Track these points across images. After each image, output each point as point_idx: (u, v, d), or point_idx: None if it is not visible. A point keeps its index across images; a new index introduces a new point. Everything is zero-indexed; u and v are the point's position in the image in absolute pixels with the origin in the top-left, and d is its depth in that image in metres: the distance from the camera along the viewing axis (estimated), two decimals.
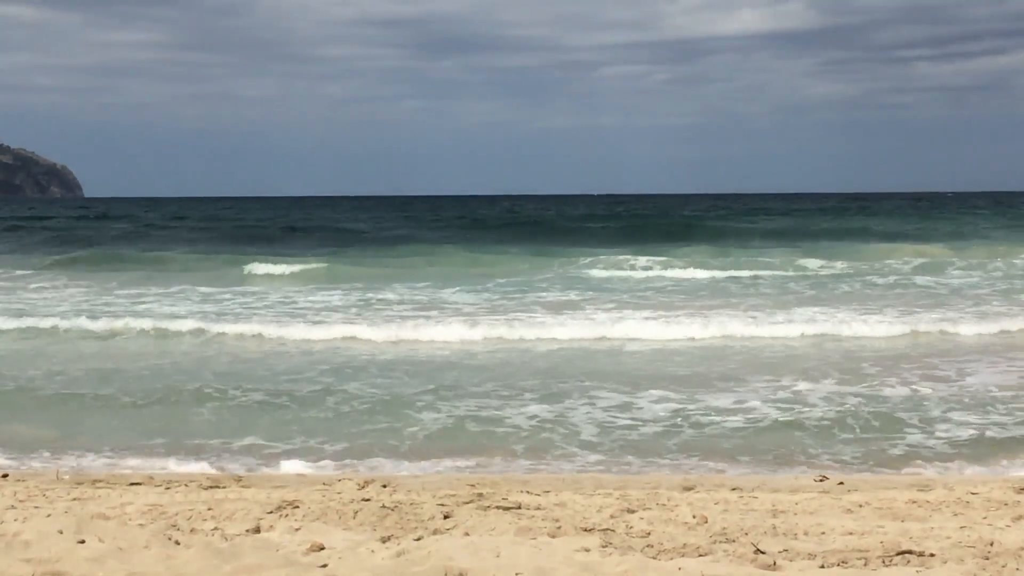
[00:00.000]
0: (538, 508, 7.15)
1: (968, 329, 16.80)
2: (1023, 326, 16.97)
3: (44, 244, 42.26)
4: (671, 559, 5.77)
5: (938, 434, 10.34)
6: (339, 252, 37.01)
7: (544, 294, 22.99)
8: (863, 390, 12.41)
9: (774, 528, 6.51)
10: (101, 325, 17.83)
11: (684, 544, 6.08)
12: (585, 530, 6.46)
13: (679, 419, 11.02)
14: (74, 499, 7.60)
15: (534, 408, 11.52)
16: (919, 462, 9.47)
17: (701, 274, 27.56)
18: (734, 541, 6.16)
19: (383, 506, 7.15)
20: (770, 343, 16.18)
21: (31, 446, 10.16)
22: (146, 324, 17.83)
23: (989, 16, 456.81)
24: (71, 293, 23.83)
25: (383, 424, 10.95)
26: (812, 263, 29.64)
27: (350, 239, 45.34)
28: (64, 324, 17.84)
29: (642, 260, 30.80)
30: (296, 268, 29.46)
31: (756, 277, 26.67)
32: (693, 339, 16.55)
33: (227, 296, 23.07)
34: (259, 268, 29.64)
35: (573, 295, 22.75)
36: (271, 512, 7.01)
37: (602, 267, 29.52)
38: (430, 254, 33.99)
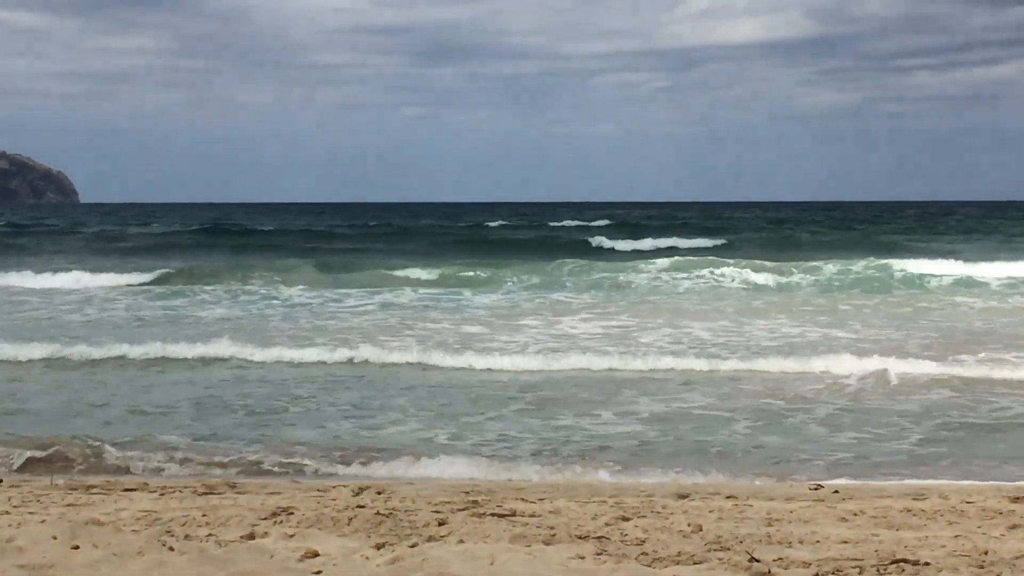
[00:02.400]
0: (533, 515, 7.15)
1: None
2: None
3: None
4: (666, 567, 5.77)
5: None
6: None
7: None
8: None
9: (769, 536, 6.51)
10: None
11: (679, 552, 6.07)
12: (580, 537, 6.46)
13: None
14: (68, 505, 7.60)
15: None
16: None
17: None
18: (729, 549, 6.16)
19: (378, 513, 7.15)
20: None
21: None
22: None
23: (986, 26, 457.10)
24: None
25: None
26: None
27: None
28: None
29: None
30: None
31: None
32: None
33: None
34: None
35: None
36: (265, 518, 7.00)
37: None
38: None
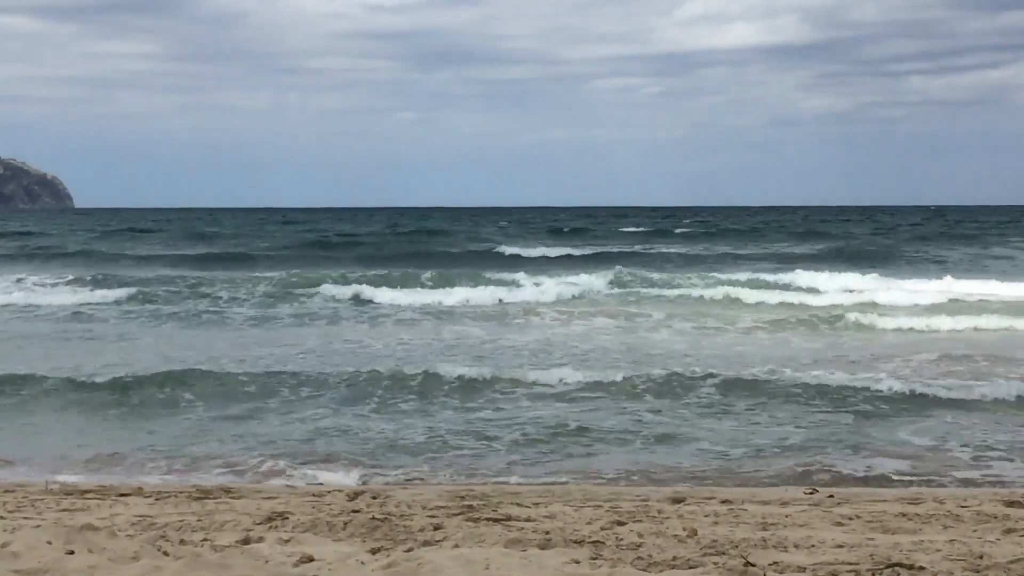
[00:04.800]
0: (528, 520, 7.15)
1: None
2: None
3: None
4: (661, 571, 5.76)
5: None
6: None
7: None
8: None
9: (764, 541, 6.51)
10: None
11: (674, 556, 6.08)
12: (575, 542, 6.46)
13: None
14: (63, 510, 7.58)
15: None
16: None
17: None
18: (724, 553, 6.16)
19: (373, 518, 7.14)
20: None
21: None
22: None
23: (980, 31, 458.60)
24: None
25: None
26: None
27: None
28: None
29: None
30: None
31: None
32: None
33: None
34: None
35: None
36: (260, 523, 7.00)
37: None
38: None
